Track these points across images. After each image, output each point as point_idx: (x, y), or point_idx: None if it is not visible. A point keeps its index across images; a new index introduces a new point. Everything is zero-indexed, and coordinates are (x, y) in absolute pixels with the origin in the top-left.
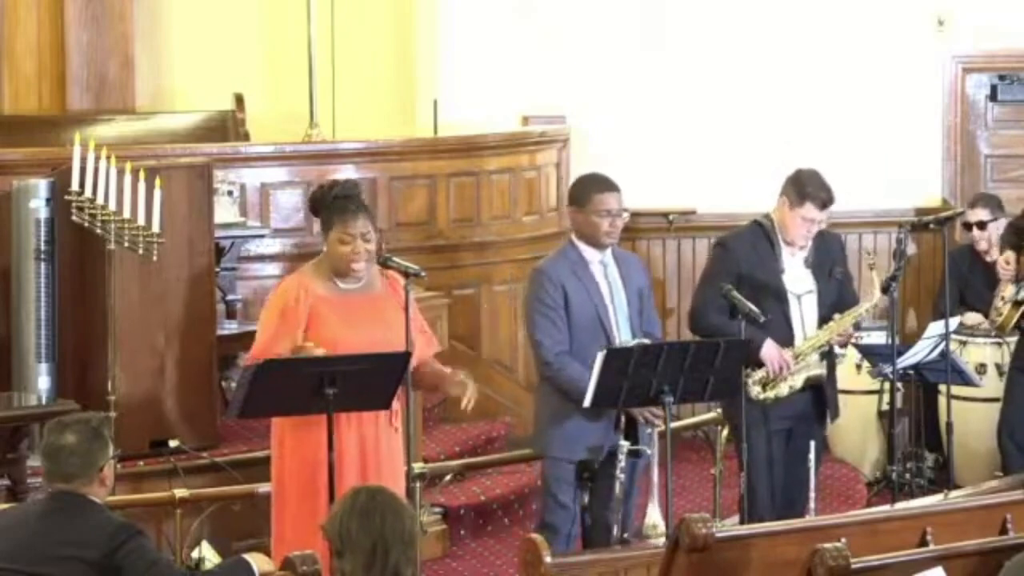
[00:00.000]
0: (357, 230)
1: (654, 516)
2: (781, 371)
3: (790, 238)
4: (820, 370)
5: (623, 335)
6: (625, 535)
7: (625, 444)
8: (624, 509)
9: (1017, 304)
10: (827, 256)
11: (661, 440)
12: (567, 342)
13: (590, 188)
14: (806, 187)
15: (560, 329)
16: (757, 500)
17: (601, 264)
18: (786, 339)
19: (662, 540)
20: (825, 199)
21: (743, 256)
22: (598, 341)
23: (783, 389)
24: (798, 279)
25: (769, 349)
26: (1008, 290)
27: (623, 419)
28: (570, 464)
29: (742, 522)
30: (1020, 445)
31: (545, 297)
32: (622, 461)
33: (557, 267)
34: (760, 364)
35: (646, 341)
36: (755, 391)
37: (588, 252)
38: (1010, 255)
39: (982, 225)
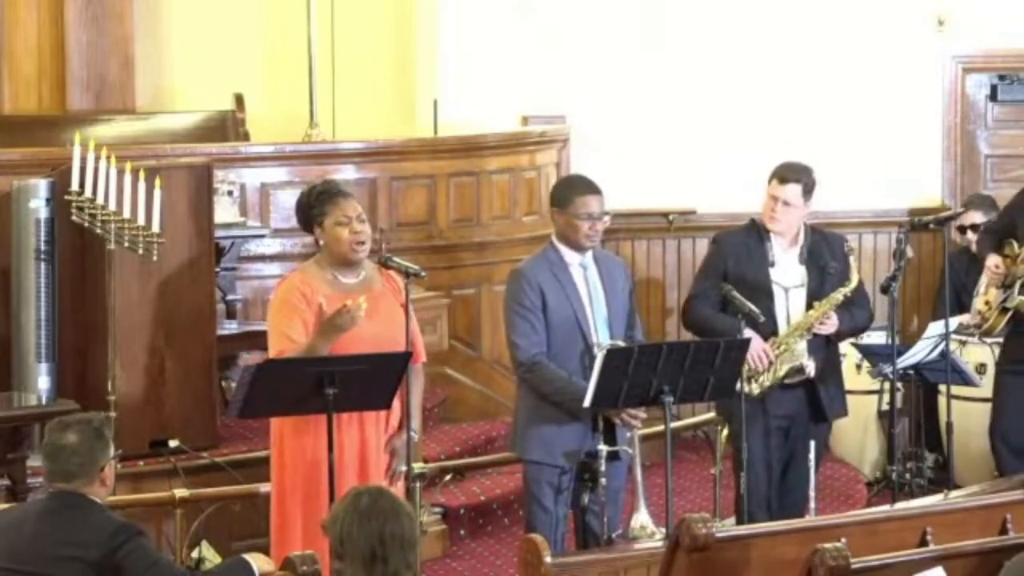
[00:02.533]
0: (352, 211)
1: (641, 517)
2: (759, 362)
3: (764, 219)
4: (803, 361)
5: (601, 337)
6: (613, 536)
7: (604, 448)
8: (610, 511)
9: (1004, 310)
10: (825, 254)
11: (660, 440)
12: (544, 344)
13: (572, 190)
14: (776, 167)
15: (538, 331)
16: (752, 499)
17: (581, 266)
18: (770, 333)
19: (651, 541)
20: (782, 174)
21: (731, 251)
22: (575, 343)
23: (766, 380)
24: (789, 273)
25: (751, 343)
26: (992, 293)
27: (600, 422)
28: (551, 468)
29: (739, 522)
30: (1013, 447)
31: (523, 298)
32: (603, 464)
33: (536, 268)
34: None
35: (621, 344)
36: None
37: (568, 254)
38: (998, 259)
39: (975, 228)
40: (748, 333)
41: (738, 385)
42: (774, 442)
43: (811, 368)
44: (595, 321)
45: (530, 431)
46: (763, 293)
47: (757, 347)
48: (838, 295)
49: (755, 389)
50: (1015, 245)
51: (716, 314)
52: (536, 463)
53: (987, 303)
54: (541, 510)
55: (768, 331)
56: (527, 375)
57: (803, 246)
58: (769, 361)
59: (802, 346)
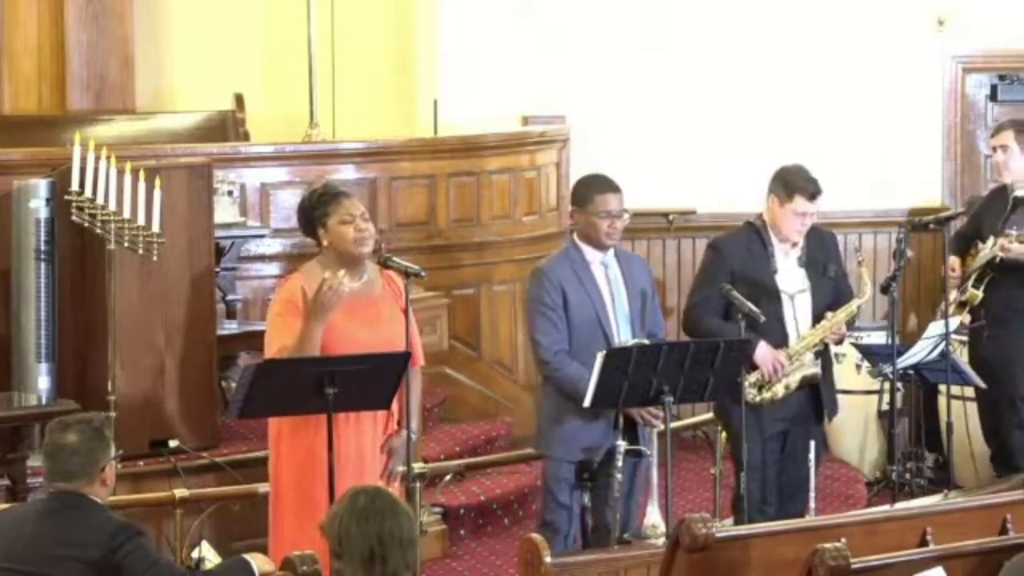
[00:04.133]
0: (356, 210)
1: (653, 516)
2: (775, 373)
3: (784, 235)
4: (815, 369)
5: (622, 335)
6: (625, 535)
7: (623, 444)
8: (624, 509)
9: (962, 304)
10: (821, 254)
11: (661, 440)
12: (566, 342)
13: (591, 189)
14: (792, 181)
15: (559, 329)
16: (751, 502)
17: (602, 264)
18: (780, 339)
19: (661, 540)
20: (813, 191)
21: (735, 257)
22: (597, 341)
23: (779, 390)
24: (792, 278)
25: (763, 351)
26: (953, 294)
27: (622, 419)
28: (570, 464)
29: (739, 522)
30: (993, 452)
31: (545, 297)
32: (620, 461)
33: (557, 267)
34: (754, 366)
35: (645, 341)
36: (751, 394)
37: (589, 252)
38: (955, 261)
39: None
40: (761, 346)
41: (740, 386)
42: (772, 444)
43: (819, 373)
44: (617, 319)
45: (553, 427)
46: (771, 299)
47: (771, 358)
48: (852, 307)
49: (766, 397)
50: (979, 244)
51: (723, 324)
52: (556, 459)
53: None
54: (558, 506)
55: (778, 338)
56: (550, 373)
57: (802, 249)
58: (784, 373)
59: (810, 355)
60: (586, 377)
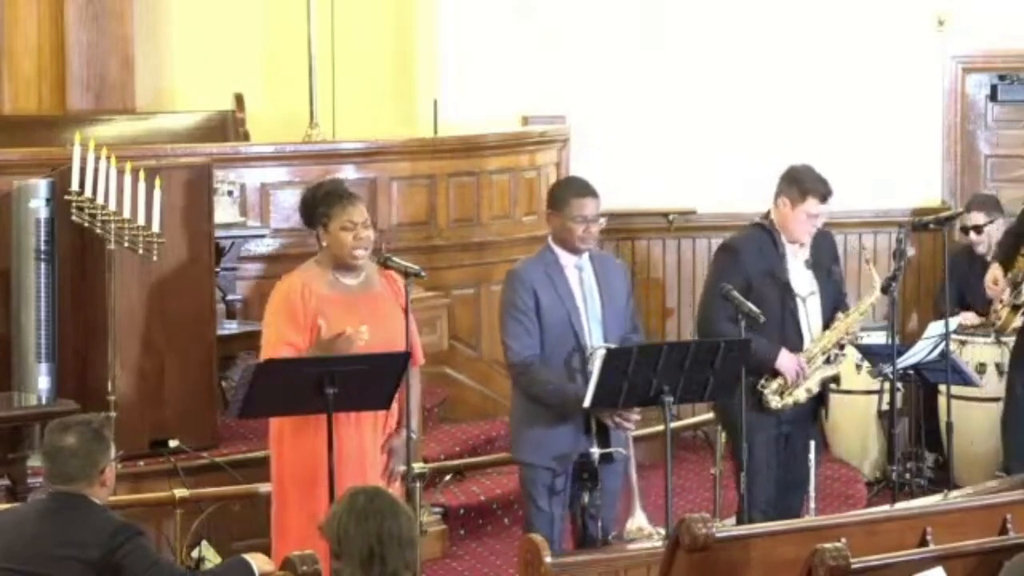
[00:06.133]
0: (358, 217)
1: (638, 519)
2: (798, 378)
3: (795, 236)
4: (834, 370)
5: (595, 339)
6: (609, 537)
7: (596, 450)
8: (604, 513)
9: (1016, 308)
10: (824, 255)
11: (657, 440)
12: (538, 346)
13: (568, 192)
14: (805, 183)
15: (531, 333)
16: (754, 504)
17: (576, 268)
18: (797, 342)
19: (647, 542)
20: (825, 192)
21: (751, 260)
22: (568, 344)
23: (800, 395)
24: (802, 281)
25: (785, 359)
26: (1006, 293)
27: (593, 423)
28: (546, 469)
29: (739, 523)
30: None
31: (516, 300)
32: (595, 465)
33: (530, 270)
34: (774, 373)
35: (612, 346)
36: (774, 401)
37: (564, 256)
38: (997, 274)
39: (979, 229)
40: (784, 354)
41: (739, 387)
42: (776, 446)
43: (837, 374)
44: (588, 322)
45: (523, 433)
46: (788, 302)
47: (794, 364)
48: (864, 305)
49: (788, 403)
50: None
51: (741, 331)
52: (528, 464)
53: (1001, 301)
54: (537, 510)
55: (795, 342)
56: (518, 377)
57: (809, 251)
58: (804, 377)
59: (821, 356)
60: (554, 381)
